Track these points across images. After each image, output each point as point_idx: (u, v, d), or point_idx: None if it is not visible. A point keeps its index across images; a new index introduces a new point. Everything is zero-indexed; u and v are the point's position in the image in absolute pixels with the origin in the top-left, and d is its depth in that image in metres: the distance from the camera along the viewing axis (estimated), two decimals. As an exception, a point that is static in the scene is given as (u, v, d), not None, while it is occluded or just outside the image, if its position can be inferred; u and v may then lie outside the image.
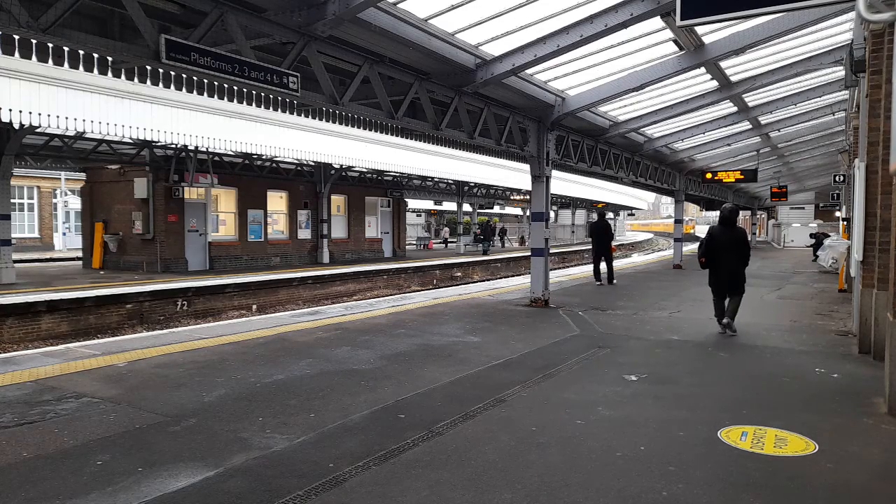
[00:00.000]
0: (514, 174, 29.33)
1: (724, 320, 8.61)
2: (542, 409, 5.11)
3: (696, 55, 9.74)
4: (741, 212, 57.28)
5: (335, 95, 8.08)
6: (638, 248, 55.59)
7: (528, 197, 37.32)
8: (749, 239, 8.71)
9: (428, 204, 47.71)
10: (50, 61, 6.86)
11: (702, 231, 76.40)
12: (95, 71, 7.27)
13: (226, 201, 21.21)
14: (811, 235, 26.08)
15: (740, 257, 8.51)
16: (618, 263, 17.98)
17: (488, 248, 32.71)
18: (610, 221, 16.85)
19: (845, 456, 4.14)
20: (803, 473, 3.85)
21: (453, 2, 7.43)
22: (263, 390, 5.63)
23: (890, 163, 4.77)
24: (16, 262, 16.58)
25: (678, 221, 22.98)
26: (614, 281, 15.77)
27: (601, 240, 15.86)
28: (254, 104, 9.48)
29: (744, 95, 13.33)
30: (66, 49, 6.69)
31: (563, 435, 4.50)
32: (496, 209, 52.24)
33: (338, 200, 25.72)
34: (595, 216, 17.30)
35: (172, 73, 7.69)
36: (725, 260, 8.49)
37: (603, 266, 15.90)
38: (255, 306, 16.70)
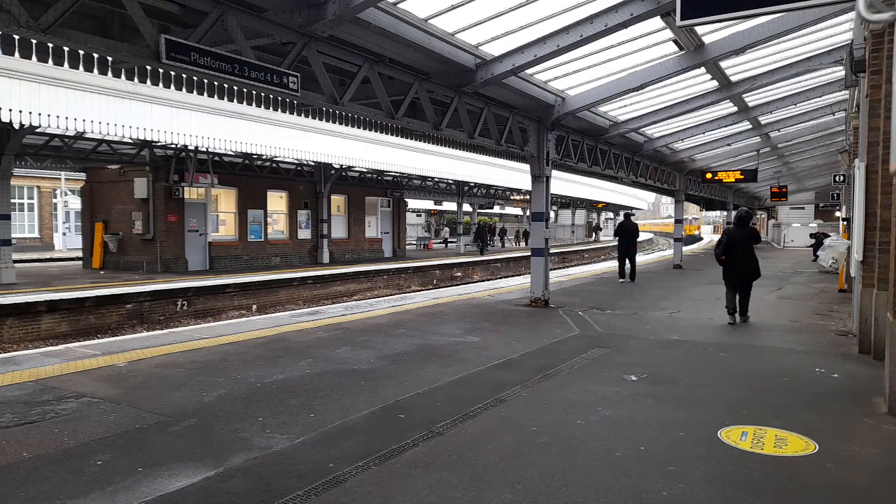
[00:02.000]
0: (514, 174, 29.31)
1: (737, 315, 9.59)
2: (542, 409, 5.11)
3: (696, 55, 9.74)
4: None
5: (335, 95, 8.08)
6: (638, 247, 55.56)
7: (528, 197, 37.28)
8: (759, 234, 10.05)
9: (428, 204, 47.73)
10: (50, 61, 6.86)
11: (706, 231, 76.50)
12: (95, 71, 7.27)
13: (226, 201, 21.21)
14: (811, 235, 26.08)
15: (753, 252, 9.63)
16: (617, 264, 18.07)
17: (484, 249, 32.47)
18: (636, 222, 17.30)
19: (845, 456, 4.14)
20: (803, 473, 3.85)
21: (453, 2, 7.43)
22: (263, 390, 5.63)
23: (890, 163, 4.77)
24: (16, 262, 16.58)
25: (678, 221, 22.99)
26: (634, 279, 16.33)
27: (627, 239, 16.37)
28: (254, 104, 9.48)
29: (744, 95, 13.33)
30: (66, 49, 6.69)
31: (564, 435, 4.50)
32: (496, 209, 52.26)
33: (338, 200, 25.72)
34: (622, 216, 17.68)
35: (172, 73, 7.69)
36: (741, 255, 9.53)
37: (622, 265, 16.55)
38: (255, 306, 16.70)
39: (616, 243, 17.19)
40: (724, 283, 9.75)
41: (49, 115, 12.28)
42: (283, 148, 17.79)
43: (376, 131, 13.32)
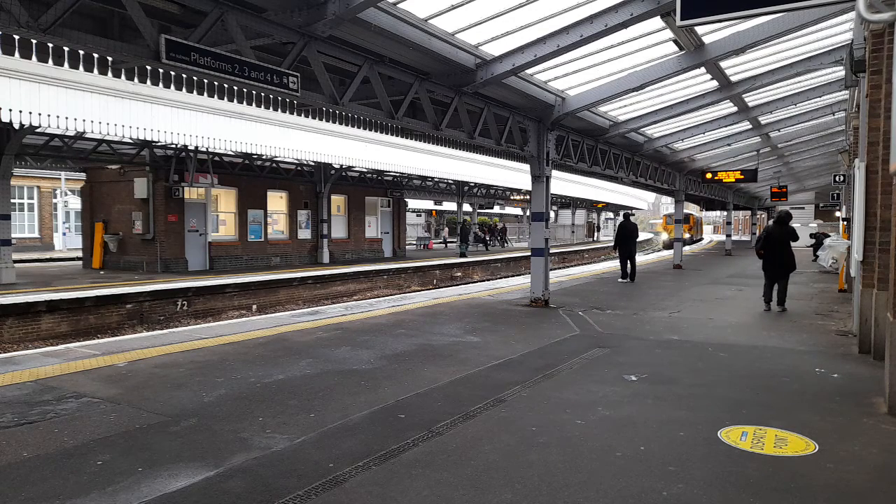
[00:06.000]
0: (514, 174, 29.31)
1: (772, 304, 10.90)
2: (542, 409, 5.11)
3: (696, 55, 9.74)
4: (744, 213, 56.78)
5: (335, 95, 8.08)
6: (638, 247, 55.41)
7: (528, 197, 37.29)
8: (796, 233, 11.19)
9: (428, 204, 47.75)
10: (50, 61, 6.87)
11: (707, 231, 76.35)
12: (95, 71, 7.27)
13: (226, 201, 21.21)
14: (811, 235, 26.06)
15: (790, 248, 10.86)
16: (616, 263, 18.11)
17: (466, 251, 30.03)
18: (636, 223, 17.30)
19: (845, 456, 4.14)
20: (803, 473, 3.85)
21: (453, 2, 7.43)
22: (263, 390, 5.63)
23: (890, 163, 4.77)
24: (16, 262, 16.58)
25: (678, 221, 22.99)
26: (634, 279, 16.42)
27: (628, 239, 16.41)
28: (254, 104, 9.48)
29: (744, 95, 13.33)
30: (66, 49, 6.69)
31: (564, 435, 4.50)
32: (496, 209, 52.29)
33: (338, 200, 25.72)
34: (622, 217, 17.65)
35: (172, 73, 7.69)
36: (779, 251, 10.84)
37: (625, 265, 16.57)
38: (255, 306, 16.70)
39: (614, 243, 17.21)
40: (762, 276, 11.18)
41: (49, 115, 12.28)
42: (283, 148, 17.79)
43: (376, 131, 13.34)
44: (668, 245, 44.54)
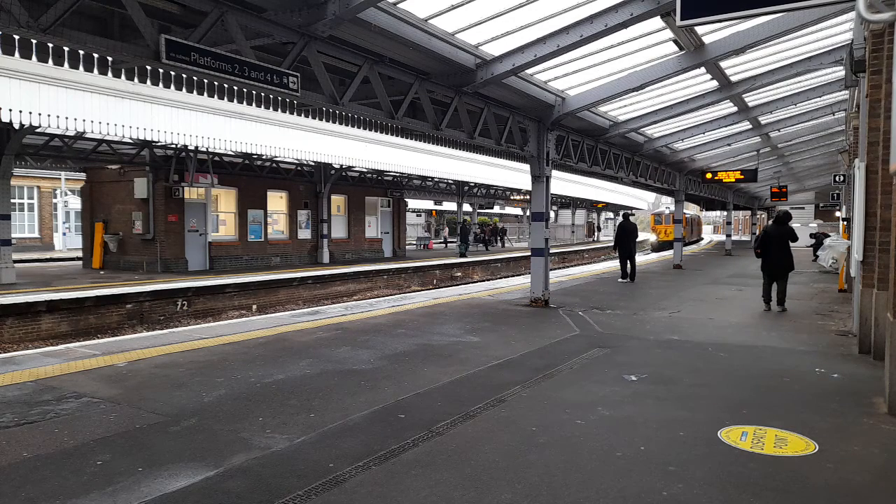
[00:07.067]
0: (514, 174, 29.31)
1: (772, 303, 10.92)
2: (542, 409, 5.11)
3: (696, 55, 9.74)
4: (744, 213, 56.66)
5: (335, 95, 8.08)
6: (637, 247, 55.25)
7: (528, 197, 37.30)
8: (795, 233, 11.19)
9: (428, 204, 47.74)
10: (50, 61, 6.86)
11: (707, 231, 76.25)
12: (95, 71, 7.27)
13: (226, 201, 21.21)
14: (811, 235, 26.07)
15: (788, 248, 10.88)
16: (616, 263, 18.13)
17: (466, 251, 29.98)
18: (636, 223, 17.27)
19: (845, 456, 4.14)
20: (803, 473, 3.85)
21: (453, 2, 7.43)
22: (263, 390, 5.63)
23: (890, 163, 4.77)
24: (16, 262, 16.58)
25: (677, 221, 22.99)
26: (634, 279, 16.42)
27: (628, 239, 16.40)
28: (254, 104, 9.48)
29: (744, 95, 13.33)
30: (66, 49, 6.69)
31: (563, 435, 4.50)
32: (496, 209, 52.29)
33: (338, 200, 25.72)
34: (621, 217, 17.61)
35: (172, 73, 7.69)
36: (777, 251, 10.87)
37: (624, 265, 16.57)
38: (255, 306, 16.69)
39: (614, 243, 17.21)
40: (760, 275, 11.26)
41: (49, 115, 12.28)
42: (283, 148, 17.79)
43: (376, 131, 13.33)
44: (656, 248, 44.03)
